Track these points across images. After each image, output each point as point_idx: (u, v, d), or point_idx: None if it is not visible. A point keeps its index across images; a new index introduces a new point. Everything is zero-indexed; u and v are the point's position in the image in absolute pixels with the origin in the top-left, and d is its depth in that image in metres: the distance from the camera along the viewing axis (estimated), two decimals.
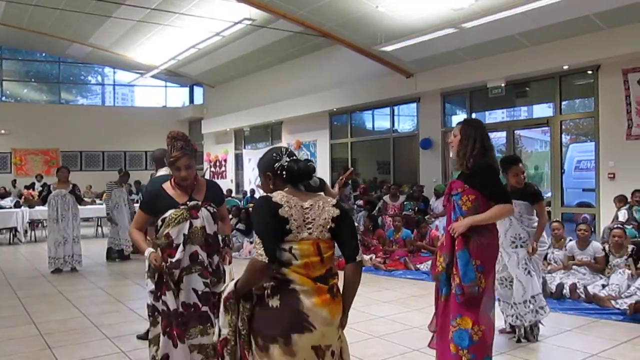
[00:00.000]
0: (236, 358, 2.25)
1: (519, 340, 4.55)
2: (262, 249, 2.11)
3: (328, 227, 2.22)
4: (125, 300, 6.44)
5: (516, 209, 4.27)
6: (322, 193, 7.26)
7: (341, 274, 2.27)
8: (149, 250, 3.12)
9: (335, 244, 2.30)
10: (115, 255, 9.57)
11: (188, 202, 3.18)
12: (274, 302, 2.17)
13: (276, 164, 2.30)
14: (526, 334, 4.58)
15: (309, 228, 2.20)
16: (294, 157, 2.34)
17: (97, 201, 13.17)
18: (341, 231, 2.26)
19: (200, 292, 3.12)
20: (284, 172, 2.29)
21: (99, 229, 13.71)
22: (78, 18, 12.99)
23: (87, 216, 12.86)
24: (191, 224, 3.13)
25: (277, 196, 2.21)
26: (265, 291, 2.20)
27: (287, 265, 2.17)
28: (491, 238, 3.31)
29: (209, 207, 3.22)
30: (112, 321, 5.41)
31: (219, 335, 2.31)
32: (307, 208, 2.22)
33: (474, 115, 10.82)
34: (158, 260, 3.07)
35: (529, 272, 4.53)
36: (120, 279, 8.13)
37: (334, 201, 2.33)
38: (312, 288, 2.17)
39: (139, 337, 4.73)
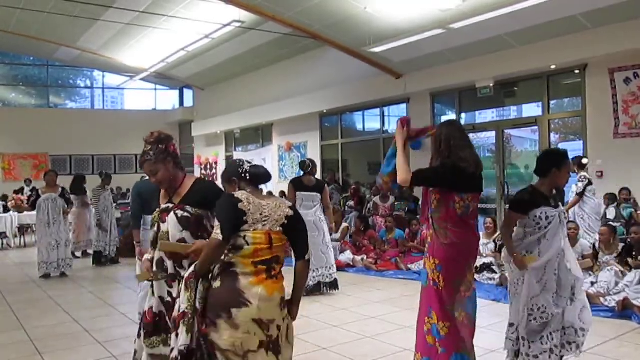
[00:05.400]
0: (192, 331, 2.53)
1: None
2: (220, 229, 2.48)
3: (281, 222, 2.60)
4: (116, 305, 6.41)
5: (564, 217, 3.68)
6: (317, 194, 7.09)
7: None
8: (145, 257, 3.08)
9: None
10: (104, 259, 9.54)
11: (163, 205, 3.02)
12: (216, 284, 2.55)
13: (240, 169, 2.72)
14: None
15: (264, 222, 2.57)
16: (254, 164, 2.79)
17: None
18: (295, 231, 2.66)
19: (164, 301, 2.89)
20: (247, 175, 2.69)
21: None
22: (65, 21, 12.89)
23: None
24: (160, 228, 2.93)
25: (238, 194, 2.61)
26: (211, 274, 2.58)
27: (238, 250, 2.52)
28: (451, 238, 3.21)
29: (178, 211, 2.90)
30: (102, 325, 5.38)
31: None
32: (264, 205, 2.61)
33: (463, 116, 10.89)
34: (144, 270, 3.06)
35: None
36: (110, 283, 8.09)
37: (290, 204, 2.75)
38: (252, 270, 2.53)
39: None
